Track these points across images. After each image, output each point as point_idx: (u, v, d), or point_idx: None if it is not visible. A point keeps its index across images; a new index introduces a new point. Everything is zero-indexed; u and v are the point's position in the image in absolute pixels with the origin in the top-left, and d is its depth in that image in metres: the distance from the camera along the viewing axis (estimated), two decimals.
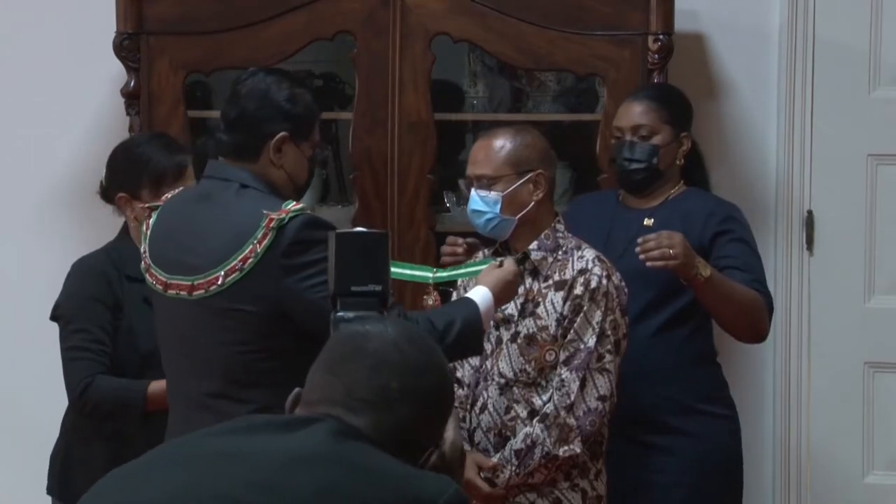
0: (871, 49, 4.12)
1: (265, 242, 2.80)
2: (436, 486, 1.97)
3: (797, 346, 4.19)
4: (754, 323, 3.42)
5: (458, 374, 3.24)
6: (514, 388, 3.16)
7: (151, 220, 3.02)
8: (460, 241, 3.40)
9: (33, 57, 4.26)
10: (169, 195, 3.09)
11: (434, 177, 3.87)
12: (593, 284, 3.12)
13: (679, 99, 3.63)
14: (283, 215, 2.80)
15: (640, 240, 3.27)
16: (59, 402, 4.35)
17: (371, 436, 1.97)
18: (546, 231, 3.20)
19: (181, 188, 3.17)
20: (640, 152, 3.50)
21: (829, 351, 4.18)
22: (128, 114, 3.90)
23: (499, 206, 3.16)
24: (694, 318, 3.48)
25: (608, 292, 3.13)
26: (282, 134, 2.92)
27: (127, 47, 3.86)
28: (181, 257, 2.92)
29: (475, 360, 3.21)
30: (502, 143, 3.18)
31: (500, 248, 3.27)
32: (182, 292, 2.90)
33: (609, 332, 3.12)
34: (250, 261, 2.81)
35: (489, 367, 3.19)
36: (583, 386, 3.09)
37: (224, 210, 2.90)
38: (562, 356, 3.12)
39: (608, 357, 3.11)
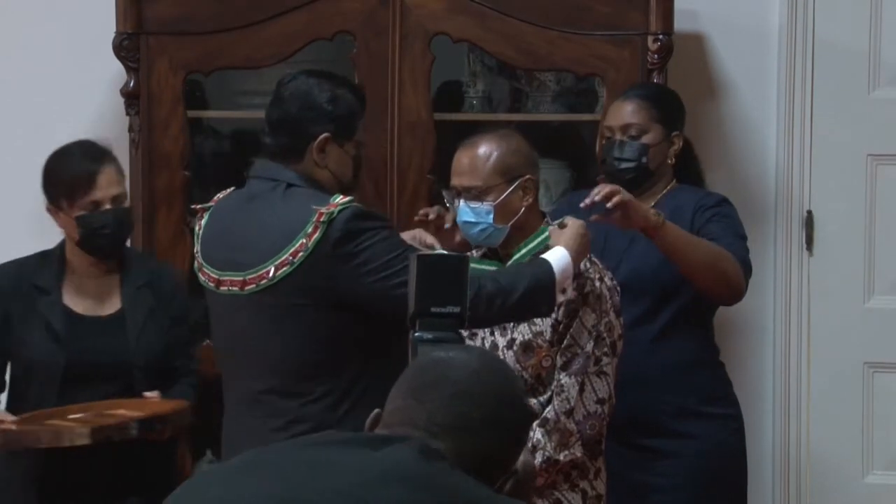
0: (871, 49, 4.11)
1: (315, 236, 2.87)
2: None
3: (797, 346, 4.19)
4: (724, 275, 3.35)
5: None
6: None
7: (203, 221, 3.10)
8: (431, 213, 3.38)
9: (33, 57, 4.26)
10: (221, 195, 3.15)
11: (434, 177, 3.87)
12: (587, 288, 3.10)
13: (670, 98, 3.62)
14: (332, 209, 2.88)
15: (583, 205, 3.22)
16: None
17: (450, 460, 1.99)
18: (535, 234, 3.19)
19: (231, 190, 3.21)
20: (630, 151, 3.49)
21: (829, 351, 4.18)
22: (127, 114, 3.90)
23: (491, 217, 3.11)
24: (693, 320, 3.48)
25: (601, 295, 3.11)
26: (324, 135, 2.99)
27: (127, 47, 3.86)
28: (232, 255, 2.99)
29: None
30: (488, 152, 3.12)
31: (489, 252, 3.25)
32: (234, 288, 2.97)
33: (605, 335, 3.11)
34: (301, 254, 2.89)
35: None
36: (581, 390, 3.09)
37: (273, 208, 2.97)
38: (560, 361, 3.11)
39: (605, 360, 3.10)
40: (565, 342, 3.10)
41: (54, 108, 4.26)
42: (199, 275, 3.07)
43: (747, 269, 3.42)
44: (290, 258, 2.89)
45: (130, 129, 3.90)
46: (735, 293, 3.44)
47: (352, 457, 1.98)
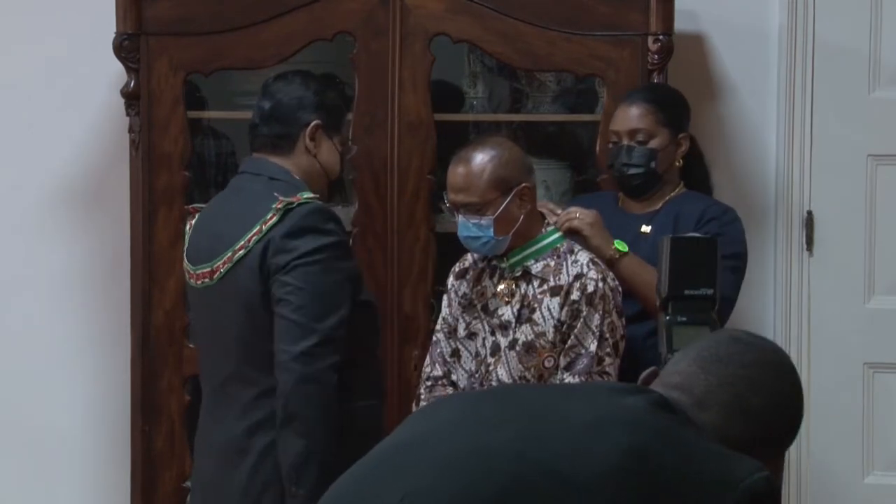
0: (871, 49, 4.11)
1: (271, 222, 2.93)
2: (747, 467, 1.97)
3: (797, 347, 4.18)
4: None
5: (454, 378, 3.24)
6: None
7: (194, 221, 3.15)
8: None
9: (33, 57, 4.27)
10: (215, 198, 3.24)
11: (434, 177, 3.87)
12: (590, 289, 3.11)
13: (676, 99, 3.61)
14: (294, 201, 2.93)
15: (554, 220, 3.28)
16: (57, 400, 4.36)
17: (709, 435, 2.00)
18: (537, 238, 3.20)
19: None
20: (638, 157, 3.48)
21: (829, 351, 4.18)
22: (128, 114, 3.90)
23: (491, 230, 3.14)
24: None
25: (605, 295, 3.12)
26: (315, 122, 3.07)
27: (127, 48, 3.86)
28: (207, 249, 3.05)
29: (470, 366, 3.21)
30: (482, 166, 3.13)
31: (493, 259, 3.25)
32: (205, 279, 3.03)
33: (608, 335, 3.11)
34: (254, 239, 2.94)
35: (483, 372, 3.19)
36: None
37: (247, 199, 3.02)
38: (563, 362, 3.11)
39: (608, 360, 3.11)
40: (569, 342, 3.11)
41: (54, 109, 4.27)
42: (186, 274, 3.12)
43: (725, 306, 3.32)
44: (246, 243, 2.95)
45: (130, 130, 3.90)
46: None
47: (585, 400, 2.02)
